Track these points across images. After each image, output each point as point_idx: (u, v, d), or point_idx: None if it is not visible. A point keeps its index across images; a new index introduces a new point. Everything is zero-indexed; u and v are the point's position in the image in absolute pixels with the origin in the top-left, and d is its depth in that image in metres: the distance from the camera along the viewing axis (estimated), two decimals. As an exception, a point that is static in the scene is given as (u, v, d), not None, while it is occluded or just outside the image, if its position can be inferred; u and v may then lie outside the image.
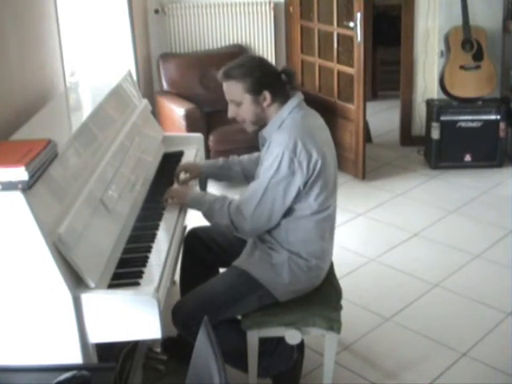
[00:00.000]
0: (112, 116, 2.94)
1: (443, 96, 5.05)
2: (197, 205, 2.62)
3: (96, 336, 2.07)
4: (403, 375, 2.87)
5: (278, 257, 2.51)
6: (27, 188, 1.97)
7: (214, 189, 4.73)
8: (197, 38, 5.22)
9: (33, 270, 1.99)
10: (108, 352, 2.32)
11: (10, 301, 2.03)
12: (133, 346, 2.64)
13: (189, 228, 2.98)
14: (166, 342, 2.86)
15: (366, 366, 2.94)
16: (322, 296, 2.59)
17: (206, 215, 2.57)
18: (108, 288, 2.10)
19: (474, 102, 4.97)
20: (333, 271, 2.74)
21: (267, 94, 2.44)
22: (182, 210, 2.72)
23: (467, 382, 2.81)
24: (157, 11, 5.18)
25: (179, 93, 4.93)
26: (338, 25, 4.90)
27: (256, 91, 2.44)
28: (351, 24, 4.70)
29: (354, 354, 3.01)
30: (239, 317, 2.55)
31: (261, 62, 2.53)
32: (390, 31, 6.55)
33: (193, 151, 3.33)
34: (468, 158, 5.02)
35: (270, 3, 5.21)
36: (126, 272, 2.21)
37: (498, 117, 4.90)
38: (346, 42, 4.88)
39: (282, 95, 2.48)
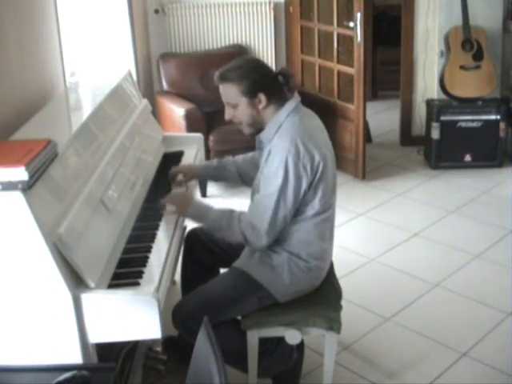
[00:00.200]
0: (112, 116, 2.94)
1: (443, 96, 5.05)
2: (198, 220, 2.57)
3: (96, 336, 2.07)
4: (403, 375, 2.87)
5: (278, 258, 2.51)
6: (27, 188, 1.97)
7: (214, 189, 4.74)
8: (197, 38, 5.22)
9: (33, 270, 1.99)
10: (108, 352, 2.32)
11: (10, 301, 2.03)
12: (133, 346, 2.64)
13: (189, 228, 2.98)
14: (167, 342, 2.86)
15: (366, 366, 2.94)
16: (322, 296, 2.60)
17: (210, 229, 2.55)
18: (108, 288, 2.10)
19: (474, 101, 4.97)
20: (333, 271, 2.74)
21: (262, 97, 2.43)
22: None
23: (467, 382, 2.81)
24: (157, 11, 5.18)
25: (179, 93, 4.93)
26: (338, 25, 4.90)
27: (251, 94, 2.43)
28: (351, 24, 4.70)
29: (354, 354, 3.01)
30: (239, 317, 2.55)
31: (257, 64, 2.52)
32: (390, 31, 6.55)
33: (193, 151, 3.33)
34: (468, 157, 5.02)
35: (269, 3, 5.21)
36: (126, 272, 2.21)
37: (498, 117, 4.90)
38: (346, 41, 4.88)
39: (278, 97, 2.47)
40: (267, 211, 2.38)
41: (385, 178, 4.96)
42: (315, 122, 2.57)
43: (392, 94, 6.26)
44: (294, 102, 2.50)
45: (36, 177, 2.04)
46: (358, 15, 4.58)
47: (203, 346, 1.68)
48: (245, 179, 2.86)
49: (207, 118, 4.64)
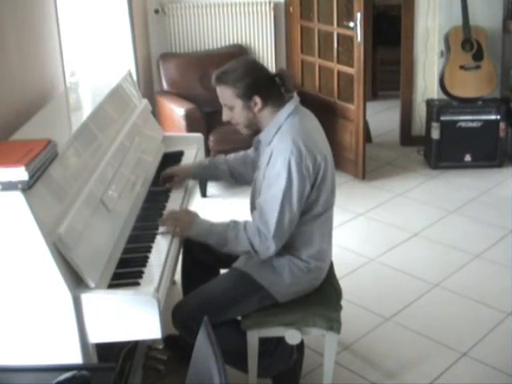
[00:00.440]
0: (112, 116, 2.94)
1: (443, 96, 5.05)
2: (203, 237, 2.50)
3: (96, 336, 2.07)
4: (403, 375, 2.87)
5: (279, 259, 2.51)
6: (27, 188, 1.97)
7: (214, 189, 4.74)
8: (197, 38, 5.22)
9: (33, 270, 1.99)
10: (108, 352, 2.32)
11: (10, 301, 2.03)
12: (133, 346, 2.64)
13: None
14: (168, 340, 2.86)
15: (366, 366, 2.94)
16: (322, 296, 2.60)
17: (217, 245, 2.49)
18: (108, 288, 2.10)
19: (474, 101, 4.97)
20: (333, 271, 2.74)
21: (258, 100, 2.43)
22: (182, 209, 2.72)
23: (467, 382, 2.81)
24: (157, 11, 5.18)
25: (179, 93, 4.93)
26: (338, 25, 4.90)
27: (247, 97, 2.43)
28: (351, 24, 4.70)
29: (354, 353, 3.01)
30: (239, 317, 2.55)
31: (253, 66, 2.51)
32: (390, 31, 6.55)
33: (193, 151, 3.33)
34: (468, 157, 5.02)
35: (270, 3, 5.21)
36: (126, 272, 2.21)
37: (498, 117, 4.90)
38: (346, 41, 4.88)
39: (275, 99, 2.47)
40: (273, 215, 2.36)
41: (385, 178, 4.96)
42: (313, 122, 2.57)
43: (392, 94, 6.26)
44: (294, 103, 2.50)
45: (36, 177, 2.04)
46: (358, 15, 4.58)
47: (203, 346, 1.68)
48: (237, 178, 2.87)
49: (207, 118, 4.64)
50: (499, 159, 5.00)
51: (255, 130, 2.54)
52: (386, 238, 4.07)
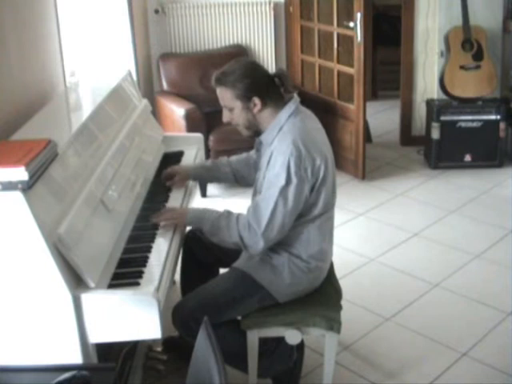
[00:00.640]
0: (112, 116, 2.94)
1: (443, 96, 5.05)
2: (198, 223, 2.55)
3: (96, 336, 2.07)
4: (403, 375, 2.87)
5: (279, 258, 2.51)
6: (27, 188, 1.97)
7: (214, 189, 4.74)
8: (197, 38, 5.22)
9: (33, 270, 1.99)
10: (108, 352, 2.32)
11: (9, 301, 2.03)
12: (133, 346, 2.64)
13: (189, 228, 2.97)
14: (167, 342, 2.86)
15: (366, 366, 2.94)
16: (322, 296, 2.60)
17: (209, 232, 2.51)
18: (108, 288, 2.10)
19: (474, 102, 4.96)
20: (333, 271, 2.74)
21: (257, 101, 2.44)
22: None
23: (467, 382, 2.81)
24: (157, 11, 5.18)
25: (179, 93, 4.93)
26: (338, 25, 4.90)
27: (246, 98, 2.44)
28: (351, 24, 4.70)
29: (354, 353, 3.01)
30: (239, 317, 2.55)
31: (253, 67, 2.51)
32: (390, 31, 6.55)
33: (193, 151, 3.33)
34: (468, 158, 5.02)
35: (270, 3, 5.21)
36: (126, 272, 2.21)
37: (498, 117, 4.90)
38: (346, 42, 4.88)
39: (275, 100, 2.48)
40: (265, 213, 2.37)
41: (385, 178, 4.96)
42: (314, 123, 2.57)
43: (392, 94, 6.26)
44: (294, 103, 2.50)
45: (36, 177, 2.04)
46: (358, 15, 4.58)
47: (203, 346, 1.68)
48: (239, 180, 2.87)
49: (207, 118, 4.64)
50: (499, 159, 5.00)
51: (255, 131, 2.54)
52: (385, 238, 4.07)
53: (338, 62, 4.99)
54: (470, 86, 4.95)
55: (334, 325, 2.50)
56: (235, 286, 2.52)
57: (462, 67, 4.92)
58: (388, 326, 3.21)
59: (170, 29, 5.18)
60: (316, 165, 2.39)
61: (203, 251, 2.83)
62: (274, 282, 2.50)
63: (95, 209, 2.28)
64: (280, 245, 2.51)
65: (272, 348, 2.60)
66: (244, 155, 2.85)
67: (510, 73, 5.09)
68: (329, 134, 2.64)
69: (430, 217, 4.32)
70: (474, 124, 4.95)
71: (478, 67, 4.90)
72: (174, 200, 2.81)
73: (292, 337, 2.52)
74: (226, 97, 2.47)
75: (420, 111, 5.40)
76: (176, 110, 4.62)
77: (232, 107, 2.48)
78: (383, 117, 6.28)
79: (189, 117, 4.52)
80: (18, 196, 1.95)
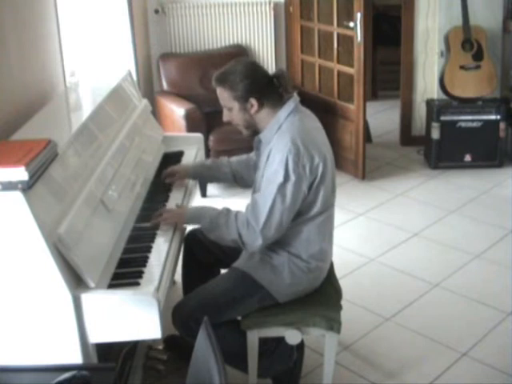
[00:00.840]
0: (112, 116, 2.94)
1: (443, 96, 5.05)
2: (196, 220, 2.57)
3: (96, 336, 2.07)
4: (403, 375, 2.87)
5: (278, 258, 2.51)
6: (27, 188, 1.98)
7: (214, 189, 4.74)
8: (197, 38, 5.22)
9: (33, 270, 1.99)
10: (108, 352, 2.32)
11: (10, 301, 2.03)
12: (133, 346, 2.64)
13: (189, 229, 2.97)
14: (168, 340, 2.86)
15: (366, 366, 2.94)
16: (322, 296, 2.60)
17: (208, 229, 2.52)
18: (108, 288, 2.10)
19: (474, 102, 4.96)
20: (333, 271, 2.74)
21: (254, 102, 2.45)
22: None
23: (467, 382, 2.81)
24: (157, 11, 5.18)
25: (179, 93, 4.93)
26: (338, 25, 4.90)
27: (243, 99, 2.46)
28: (351, 24, 4.70)
29: (354, 353, 3.01)
30: (239, 317, 2.55)
31: (251, 68, 2.52)
32: (390, 31, 6.55)
33: (193, 151, 3.33)
34: (468, 158, 5.02)
35: (270, 3, 5.21)
36: (126, 272, 2.21)
37: (498, 117, 4.90)
38: (346, 42, 4.88)
39: (273, 100, 2.49)
40: (264, 210, 2.38)
41: (385, 178, 4.96)
42: (313, 122, 2.58)
43: (392, 94, 6.26)
44: (293, 102, 2.51)
45: (36, 177, 2.04)
46: (358, 15, 4.58)
47: (203, 346, 1.68)
48: (239, 180, 2.88)
49: (207, 118, 4.64)
50: (499, 159, 5.00)
51: (254, 130, 2.56)
52: (385, 238, 4.07)
53: (338, 61, 4.99)
54: (469, 86, 4.95)
55: (333, 325, 2.50)
56: (235, 286, 2.52)
57: (461, 67, 4.92)
58: (388, 326, 3.21)
59: (170, 29, 5.18)
60: (314, 163, 2.39)
61: (203, 251, 2.83)
62: (274, 282, 2.50)
63: (95, 209, 2.28)
64: (280, 245, 2.51)
65: (272, 348, 2.60)
66: (244, 156, 2.86)
67: (510, 73, 5.09)
68: (329, 134, 2.64)
69: (429, 217, 4.32)
70: (474, 124, 4.95)
71: (478, 67, 4.90)
72: (174, 200, 2.81)
73: (292, 337, 2.52)
74: (225, 97, 2.50)
75: (420, 111, 5.40)
76: (176, 110, 4.62)
77: (231, 107, 2.50)
78: (383, 117, 6.28)
79: (189, 117, 4.52)
80: (17, 196, 1.95)
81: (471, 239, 4.01)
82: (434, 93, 5.28)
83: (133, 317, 2.05)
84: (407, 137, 5.53)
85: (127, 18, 4.60)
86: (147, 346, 2.77)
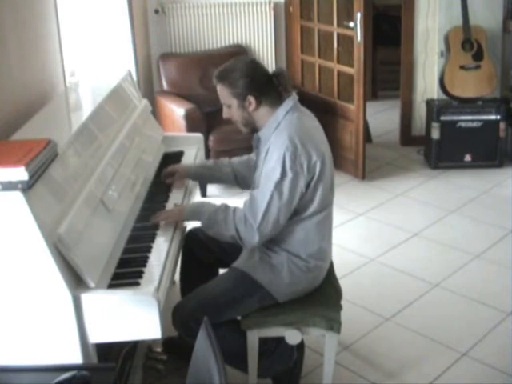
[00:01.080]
0: (112, 116, 2.94)
1: (443, 96, 5.05)
2: (196, 216, 2.58)
3: (96, 336, 2.07)
4: (403, 375, 2.87)
5: (278, 258, 2.51)
6: (27, 188, 1.98)
7: (214, 189, 4.74)
8: (197, 38, 5.22)
9: (33, 270, 1.99)
10: (108, 352, 2.32)
11: (9, 301, 2.03)
12: (133, 346, 2.64)
13: (189, 228, 2.97)
14: (167, 342, 2.86)
15: (366, 366, 2.94)
16: (322, 296, 2.60)
17: (206, 225, 2.54)
18: (108, 288, 2.10)
19: (474, 102, 4.96)
20: (333, 271, 2.74)
21: (252, 100, 2.47)
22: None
23: (467, 382, 2.81)
24: (157, 11, 5.18)
25: (179, 93, 4.93)
26: (338, 25, 4.90)
27: (242, 96, 2.47)
28: (351, 24, 4.70)
29: (354, 353, 3.01)
30: (239, 317, 2.55)
31: (251, 66, 2.53)
32: (390, 31, 6.55)
33: (193, 151, 3.33)
34: (468, 158, 5.02)
35: (270, 3, 5.21)
36: (126, 272, 2.21)
37: (498, 117, 4.90)
38: (346, 42, 4.88)
39: (272, 98, 2.50)
40: (261, 206, 2.39)
41: (385, 178, 4.96)
42: (312, 121, 2.59)
43: (392, 94, 6.26)
44: (292, 100, 2.52)
45: (36, 177, 2.04)
46: (358, 15, 4.58)
47: (203, 346, 1.68)
48: (240, 180, 2.88)
49: (207, 118, 4.64)
50: (499, 159, 5.00)
51: (253, 128, 2.57)
52: (385, 238, 4.07)
53: (338, 61, 4.99)
54: (469, 86, 4.95)
55: (334, 325, 2.50)
56: (235, 286, 2.52)
57: (462, 67, 4.92)
58: (388, 326, 3.21)
59: (170, 29, 5.18)
60: (312, 161, 2.40)
61: (203, 251, 2.83)
62: (274, 282, 2.50)
63: (95, 209, 2.28)
64: (279, 244, 2.51)
65: (272, 348, 2.60)
66: (245, 157, 2.86)
67: (510, 73, 5.09)
68: (329, 134, 2.64)
69: (430, 217, 4.32)
70: (474, 124, 4.95)
71: (478, 67, 4.90)
72: (174, 200, 2.81)
73: (292, 337, 2.52)
74: (224, 94, 2.52)
75: (420, 111, 5.40)
76: (176, 110, 4.62)
77: (230, 104, 2.52)
78: (383, 117, 6.28)
79: (189, 117, 4.52)
80: (18, 196, 1.95)
81: (471, 239, 4.01)
82: (434, 93, 5.28)
83: (133, 317, 2.05)
84: (407, 137, 5.53)
85: (127, 18, 4.60)
86: (147, 346, 2.77)
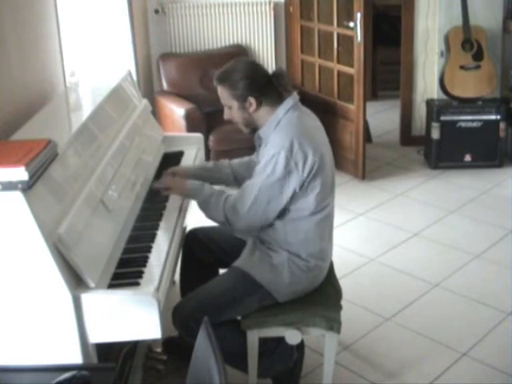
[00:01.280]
0: (112, 116, 2.94)
1: (443, 96, 5.05)
2: (195, 196, 2.64)
3: (96, 336, 2.07)
4: (403, 375, 2.87)
5: (278, 257, 2.51)
6: (27, 188, 1.97)
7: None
8: (197, 38, 5.22)
9: (33, 270, 1.99)
10: (108, 352, 2.32)
11: (9, 301, 2.03)
12: (133, 346, 2.64)
13: (189, 228, 2.98)
14: (167, 342, 2.86)
15: (366, 366, 2.94)
16: (322, 296, 2.60)
17: (202, 207, 2.61)
18: (108, 288, 2.10)
19: (474, 102, 4.96)
20: (333, 271, 2.74)
21: (252, 101, 2.48)
22: (182, 209, 2.73)
23: (467, 382, 2.81)
24: (157, 11, 5.18)
25: (179, 93, 4.93)
26: (338, 25, 4.90)
27: (242, 98, 2.49)
28: (351, 24, 4.70)
29: (354, 353, 3.01)
30: (239, 317, 2.55)
31: (253, 67, 2.55)
32: (390, 31, 6.55)
33: (193, 151, 3.33)
34: (468, 158, 5.02)
35: (270, 3, 5.21)
36: (126, 272, 2.21)
37: (498, 117, 4.90)
38: (346, 42, 4.88)
39: (272, 99, 2.51)
40: (249, 196, 2.46)
41: (385, 178, 4.96)
42: (313, 121, 2.59)
43: (392, 94, 6.26)
44: (292, 100, 2.53)
45: (36, 177, 2.04)
46: (358, 15, 4.58)
47: (203, 346, 1.68)
48: (240, 182, 2.87)
49: (207, 118, 4.64)
50: (499, 159, 5.00)
51: (254, 128, 2.59)
52: (385, 238, 4.07)
53: (338, 61, 4.99)
54: (469, 86, 4.95)
55: (334, 325, 2.50)
56: (235, 286, 2.52)
57: (462, 67, 4.92)
58: (388, 325, 3.21)
59: (170, 29, 5.18)
60: (308, 160, 2.40)
61: (203, 251, 2.83)
62: (274, 282, 2.50)
63: (95, 209, 2.28)
64: (279, 243, 2.51)
65: (272, 348, 2.60)
66: (246, 158, 2.87)
67: (510, 73, 5.09)
68: (329, 134, 2.64)
69: (430, 217, 4.32)
70: (474, 124, 4.95)
71: (478, 67, 4.90)
72: (174, 200, 2.80)
73: (292, 337, 2.52)
74: (225, 96, 2.53)
75: (420, 111, 5.40)
76: (176, 110, 4.62)
77: (230, 106, 2.54)
78: (383, 117, 6.28)
79: (189, 117, 4.52)
80: (18, 196, 1.95)
81: (471, 239, 4.01)
82: (434, 93, 5.28)
83: (133, 317, 2.05)
84: (407, 137, 5.53)
85: (127, 18, 4.60)
86: (147, 346, 2.77)
